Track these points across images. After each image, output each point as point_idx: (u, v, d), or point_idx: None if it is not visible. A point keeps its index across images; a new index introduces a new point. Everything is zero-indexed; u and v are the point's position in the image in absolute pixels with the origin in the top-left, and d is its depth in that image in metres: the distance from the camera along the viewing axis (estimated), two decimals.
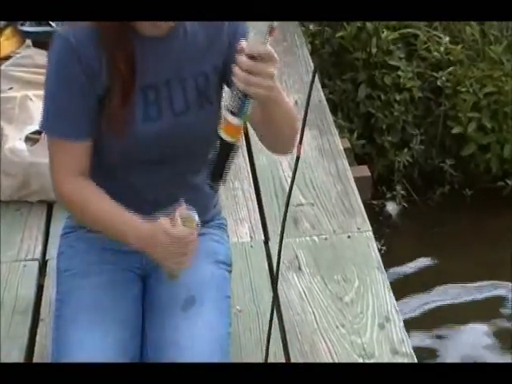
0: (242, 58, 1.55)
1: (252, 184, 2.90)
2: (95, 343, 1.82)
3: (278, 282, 2.44)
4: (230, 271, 2.07)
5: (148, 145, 1.83)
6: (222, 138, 1.60)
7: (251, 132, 3.13)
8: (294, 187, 2.85)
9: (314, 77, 1.66)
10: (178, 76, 1.84)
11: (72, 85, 1.79)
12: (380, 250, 2.63)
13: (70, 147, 1.84)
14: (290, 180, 2.82)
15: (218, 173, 1.65)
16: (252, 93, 1.56)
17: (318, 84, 3.51)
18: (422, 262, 3.71)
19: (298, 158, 1.68)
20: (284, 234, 2.59)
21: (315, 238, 2.63)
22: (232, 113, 1.58)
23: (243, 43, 1.56)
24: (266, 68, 1.56)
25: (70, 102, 1.80)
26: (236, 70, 1.56)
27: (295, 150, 1.77)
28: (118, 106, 1.78)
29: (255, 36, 1.61)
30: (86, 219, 1.91)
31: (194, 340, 1.83)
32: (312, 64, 3.64)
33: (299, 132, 1.78)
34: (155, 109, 1.83)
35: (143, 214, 1.82)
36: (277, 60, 1.57)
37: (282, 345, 2.25)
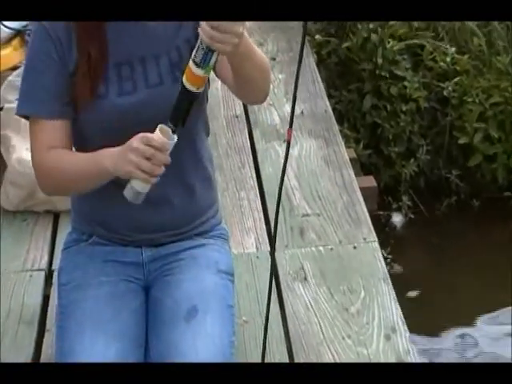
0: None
1: (258, 194, 2.90)
2: (97, 355, 1.82)
3: (284, 293, 2.45)
4: (232, 280, 2.07)
5: (125, 117, 1.85)
6: (184, 86, 1.68)
7: (258, 144, 3.17)
8: (300, 198, 2.86)
9: (304, 34, 1.66)
10: (152, 52, 1.87)
11: (44, 63, 1.84)
12: (386, 261, 2.62)
13: (45, 125, 1.87)
14: (296, 191, 2.87)
15: (180, 118, 1.73)
16: (216, 48, 1.62)
17: (323, 94, 3.51)
18: (429, 272, 3.70)
19: (288, 143, 1.69)
20: (290, 245, 2.62)
21: (321, 248, 2.62)
22: (195, 63, 1.65)
23: None
24: (232, 26, 1.60)
25: (43, 80, 1.85)
26: (202, 24, 1.61)
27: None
28: (88, 83, 1.83)
29: None
30: (64, 178, 1.89)
31: (198, 351, 1.83)
32: (318, 75, 3.64)
33: (269, 82, 1.88)
34: (130, 84, 1.87)
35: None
36: (241, 33, 1.61)
37: (287, 355, 2.24)
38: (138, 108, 1.86)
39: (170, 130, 1.73)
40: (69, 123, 1.89)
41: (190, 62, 1.66)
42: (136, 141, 1.72)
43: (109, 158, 1.79)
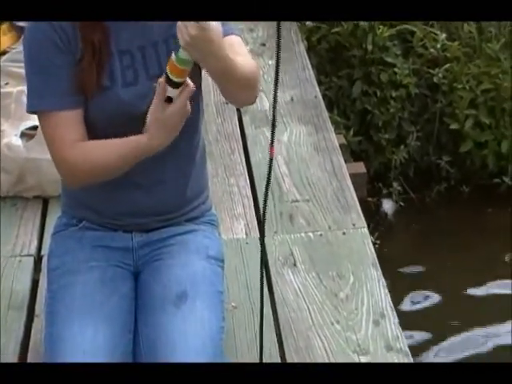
0: None
1: (248, 180, 2.90)
2: (86, 340, 1.83)
3: (273, 279, 2.45)
4: (222, 267, 2.08)
5: (128, 108, 1.85)
6: (166, 74, 1.73)
7: (247, 130, 3.17)
8: (290, 183, 2.86)
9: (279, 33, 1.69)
10: (150, 40, 1.87)
11: (50, 55, 1.81)
12: (375, 247, 2.63)
13: (62, 118, 1.84)
14: (286, 177, 2.87)
15: None
16: (178, 37, 1.66)
17: (313, 80, 3.51)
18: (418, 258, 3.71)
19: (271, 160, 1.69)
20: (279, 231, 2.62)
21: (310, 234, 2.63)
22: (174, 51, 1.71)
23: None
24: (189, 25, 1.63)
25: (52, 72, 1.82)
26: None
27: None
28: (94, 72, 1.82)
29: None
30: (99, 170, 1.88)
31: (187, 336, 1.83)
32: (308, 61, 3.64)
33: (255, 90, 1.88)
34: (131, 72, 1.87)
35: (123, 177, 1.86)
36: (204, 27, 1.62)
37: (276, 341, 2.25)
38: (140, 99, 1.84)
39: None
40: (82, 113, 1.86)
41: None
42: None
43: (151, 140, 1.80)
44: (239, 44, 1.88)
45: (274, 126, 1.68)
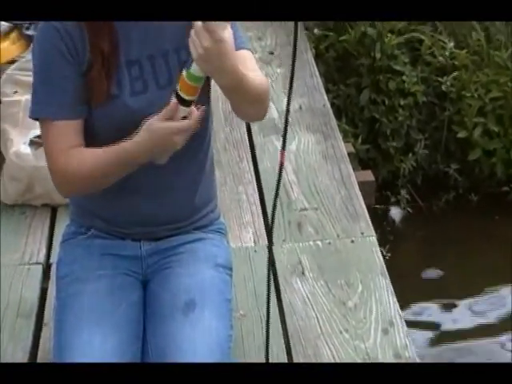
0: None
1: (256, 188, 2.90)
2: (94, 349, 1.83)
3: (282, 287, 2.45)
4: (230, 275, 2.07)
5: (136, 117, 1.83)
6: (176, 92, 1.71)
7: (256, 138, 3.17)
8: (298, 192, 2.86)
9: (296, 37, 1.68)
10: (160, 50, 1.87)
11: (57, 65, 1.81)
12: (384, 255, 2.63)
13: (62, 128, 1.85)
14: (294, 186, 2.87)
15: None
16: (191, 49, 1.65)
17: (321, 88, 3.51)
18: (427, 267, 3.70)
19: (281, 165, 1.69)
20: (287, 239, 2.62)
21: (319, 242, 2.62)
22: (186, 67, 1.69)
23: None
24: (203, 37, 1.62)
25: (58, 81, 1.83)
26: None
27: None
28: (102, 82, 1.81)
29: None
30: (88, 178, 1.88)
31: (196, 344, 1.83)
32: (316, 69, 3.64)
33: (266, 105, 1.88)
34: (140, 83, 1.86)
35: (133, 185, 1.85)
36: (219, 38, 1.62)
37: (285, 349, 2.25)
38: (148, 108, 1.83)
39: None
40: (82, 123, 1.87)
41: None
42: (166, 125, 1.74)
43: (137, 148, 1.79)
44: (250, 59, 1.87)
45: (286, 129, 1.68)
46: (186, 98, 1.71)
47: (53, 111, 1.85)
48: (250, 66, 1.83)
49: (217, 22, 1.61)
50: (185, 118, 1.75)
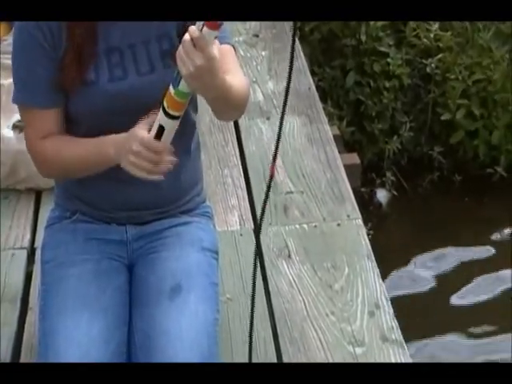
0: (185, 36, 1.59)
1: (241, 172, 2.89)
2: (81, 332, 1.83)
3: (268, 270, 2.45)
4: (216, 258, 2.07)
5: (115, 103, 1.84)
6: (162, 104, 1.68)
7: (241, 122, 3.15)
8: (284, 175, 2.85)
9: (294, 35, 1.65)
10: (141, 39, 1.86)
11: (34, 53, 1.82)
12: (369, 237, 2.63)
13: (39, 114, 1.87)
14: (280, 169, 2.86)
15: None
16: (179, 67, 1.61)
17: (307, 71, 3.50)
18: (412, 248, 3.71)
19: (271, 178, 1.68)
20: (273, 222, 2.62)
21: (305, 225, 2.62)
22: (172, 83, 1.65)
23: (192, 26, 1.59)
24: (193, 54, 1.58)
25: (35, 69, 1.83)
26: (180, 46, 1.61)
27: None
28: (76, 69, 1.82)
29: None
30: (66, 165, 1.90)
31: (182, 327, 1.83)
32: (301, 51, 3.63)
33: (245, 105, 1.88)
34: (120, 70, 1.85)
35: (118, 168, 1.82)
36: (210, 56, 1.59)
37: (271, 333, 2.25)
38: (128, 94, 1.84)
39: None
40: (62, 109, 1.88)
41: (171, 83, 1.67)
42: (135, 144, 1.72)
43: (112, 147, 1.80)
44: (232, 55, 1.86)
45: (278, 142, 1.67)
46: (172, 113, 1.69)
47: (28, 98, 1.87)
48: (231, 65, 1.82)
49: (205, 38, 1.57)
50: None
